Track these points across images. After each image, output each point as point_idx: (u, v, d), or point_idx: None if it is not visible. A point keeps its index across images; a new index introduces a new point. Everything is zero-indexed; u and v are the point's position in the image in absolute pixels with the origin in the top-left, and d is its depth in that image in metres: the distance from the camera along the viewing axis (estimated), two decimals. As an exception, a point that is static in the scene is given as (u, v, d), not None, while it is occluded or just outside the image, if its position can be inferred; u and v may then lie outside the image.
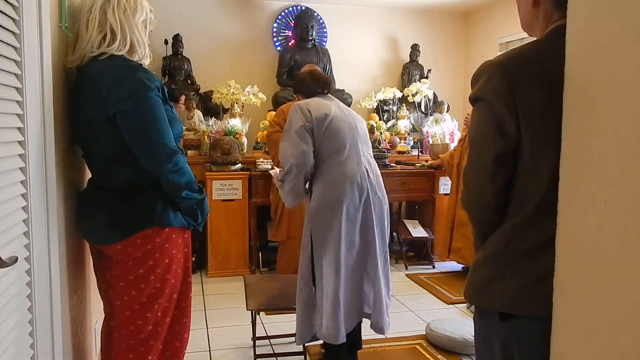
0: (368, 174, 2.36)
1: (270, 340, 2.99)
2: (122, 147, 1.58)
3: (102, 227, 1.63)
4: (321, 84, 2.53)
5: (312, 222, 2.32)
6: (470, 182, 1.21)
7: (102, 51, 1.60)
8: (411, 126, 5.25)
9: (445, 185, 4.60)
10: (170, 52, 4.72)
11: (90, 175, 1.76)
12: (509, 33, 4.90)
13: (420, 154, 5.02)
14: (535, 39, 1.20)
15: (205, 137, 4.40)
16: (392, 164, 4.64)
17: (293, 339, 3.01)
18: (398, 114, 5.23)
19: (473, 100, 1.17)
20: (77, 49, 1.62)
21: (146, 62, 1.72)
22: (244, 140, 4.48)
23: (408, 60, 5.38)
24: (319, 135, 2.30)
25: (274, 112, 4.36)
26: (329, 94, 2.54)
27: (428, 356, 2.81)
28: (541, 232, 1.08)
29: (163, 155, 1.58)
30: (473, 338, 1.31)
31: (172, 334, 1.77)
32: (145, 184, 1.63)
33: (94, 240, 1.71)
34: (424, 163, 4.71)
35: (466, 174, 1.22)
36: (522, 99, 1.07)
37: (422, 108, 5.35)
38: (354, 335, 2.47)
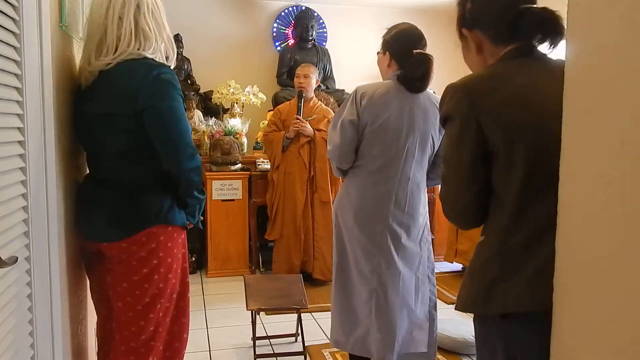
0: (396, 201, 2.09)
1: (270, 340, 2.99)
2: (138, 144, 1.61)
3: (106, 224, 1.63)
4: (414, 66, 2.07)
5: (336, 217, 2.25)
6: (447, 195, 1.29)
7: (134, 56, 1.61)
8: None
9: (445, 185, 4.60)
10: (170, 52, 4.72)
11: (88, 173, 1.76)
12: (509, 33, 4.89)
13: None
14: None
15: (205, 137, 4.40)
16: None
17: (293, 339, 3.01)
18: (398, 114, 5.22)
19: (443, 120, 1.27)
20: (105, 53, 1.61)
21: (171, 64, 1.74)
22: (244, 140, 4.48)
23: (408, 60, 5.38)
24: (362, 132, 2.10)
25: (273, 112, 4.37)
26: (418, 82, 2.13)
27: (428, 356, 2.80)
28: (530, 224, 1.13)
29: (186, 153, 1.63)
30: (473, 338, 1.31)
31: (171, 334, 1.76)
32: (151, 182, 1.65)
33: (96, 238, 1.69)
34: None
35: (442, 189, 1.31)
36: (482, 108, 1.18)
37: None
38: None
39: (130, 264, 1.62)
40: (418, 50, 2.08)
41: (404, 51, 2.10)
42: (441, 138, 2.18)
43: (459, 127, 1.20)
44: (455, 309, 1.29)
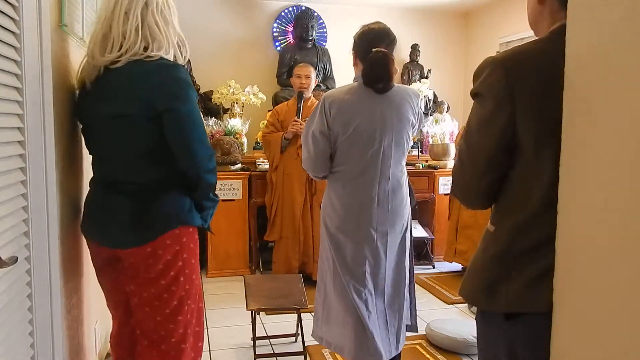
0: (379, 203, 2.11)
1: (270, 340, 3.00)
2: (157, 145, 1.57)
3: (126, 230, 1.56)
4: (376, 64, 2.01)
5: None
6: (459, 178, 1.24)
7: (146, 55, 1.56)
8: (411, 126, 5.25)
9: (445, 185, 4.60)
10: (170, 52, 4.72)
11: (95, 177, 1.68)
12: (509, 33, 4.90)
13: (420, 154, 5.02)
14: (537, 38, 1.21)
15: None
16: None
17: (293, 339, 3.01)
18: (398, 114, 5.22)
19: (473, 95, 1.19)
20: (110, 50, 1.55)
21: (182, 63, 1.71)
22: (244, 140, 4.48)
23: (408, 60, 5.38)
24: (335, 141, 2.10)
25: (274, 112, 4.36)
26: (383, 81, 2.06)
27: (428, 356, 2.80)
28: (546, 227, 1.07)
29: (205, 155, 1.61)
30: (473, 338, 1.31)
31: (195, 335, 1.73)
32: (171, 182, 1.61)
33: (114, 245, 1.61)
34: (424, 163, 4.72)
35: (456, 169, 1.25)
36: (521, 95, 1.09)
37: (422, 108, 5.34)
38: None
39: (157, 268, 1.57)
40: (376, 49, 2.03)
41: (365, 49, 2.06)
42: (418, 124, 2.19)
43: (489, 111, 1.12)
44: (459, 293, 1.27)
